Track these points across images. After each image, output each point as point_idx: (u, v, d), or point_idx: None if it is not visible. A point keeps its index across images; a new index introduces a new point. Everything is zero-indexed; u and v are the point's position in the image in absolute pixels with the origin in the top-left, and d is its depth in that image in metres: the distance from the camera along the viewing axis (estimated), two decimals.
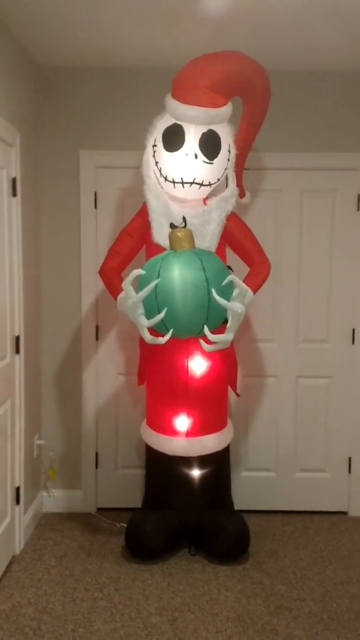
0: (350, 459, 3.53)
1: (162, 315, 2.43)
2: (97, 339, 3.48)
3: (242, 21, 2.65)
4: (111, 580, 2.78)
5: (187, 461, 2.91)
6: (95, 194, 3.37)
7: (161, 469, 3.00)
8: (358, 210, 3.39)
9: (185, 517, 2.98)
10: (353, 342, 3.47)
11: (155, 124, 2.68)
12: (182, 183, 2.65)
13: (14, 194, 2.92)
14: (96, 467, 3.54)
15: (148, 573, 2.84)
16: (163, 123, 2.64)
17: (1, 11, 2.63)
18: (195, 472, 2.94)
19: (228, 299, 2.49)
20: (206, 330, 2.48)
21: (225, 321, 2.56)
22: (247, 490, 3.50)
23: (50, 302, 3.46)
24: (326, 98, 3.34)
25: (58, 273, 3.44)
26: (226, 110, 2.60)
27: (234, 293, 2.52)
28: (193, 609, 2.56)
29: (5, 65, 2.80)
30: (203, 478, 2.94)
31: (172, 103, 2.59)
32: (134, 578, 2.80)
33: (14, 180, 2.91)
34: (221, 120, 2.61)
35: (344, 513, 3.55)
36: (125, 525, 3.03)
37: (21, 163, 2.98)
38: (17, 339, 3.00)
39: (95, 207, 3.38)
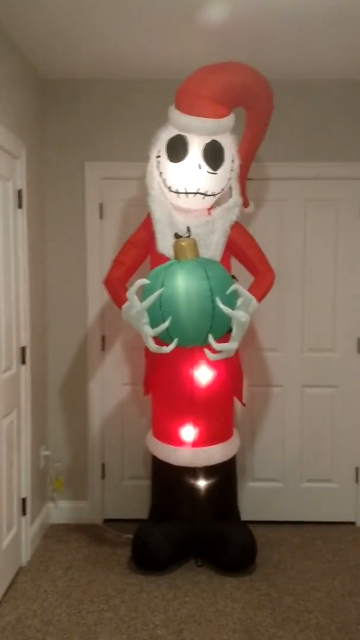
0: (357, 469, 3.50)
1: (166, 324, 2.44)
2: (103, 349, 3.49)
3: (243, 32, 2.69)
4: (117, 591, 2.77)
5: (194, 472, 2.90)
6: (101, 205, 3.40)
7: (167, 479, 2.98)
8: None
9: (191, 528, 2.97)
10: (359, 351, 3.46)
11: (158, 135, 2.70)
12: (186, 193, 2.66)
13: (20, 205, 2.95)
14: (102, 478, 3.53)
15: (154, 584, 2.82)
16: (167, 134, 2.66)
17: (5, 25, 2.68)
18: (202, 483, 2.92)
19: (232, 308, 2.49)
20: (210, 339, 2.48)
21: (230, 330, 2.57)
22: (254, 501, 3.48)
23: (56, 313, 3.48)
24: (328, 108, 3.36)
25: (64, 284, 3.46)
26: (229, 120, 2.62)
27: (238, 302, 2.53)
28: (199, 621, 2.54)
29: (10, 78, 2.84)
30: (209, 489, 2.92)
31: (175, 114, 2.61)
32: (140, 589, 2.78)
33: (19, 192, 2.94)
34: (224, 130, 2.63)
35: (351, 523, 3.52)
36: (132, 536, 3.02)
37: (27, 175, 3.02)
38: (23, 349, 3.01)
39: (101, 217, 3.41)
